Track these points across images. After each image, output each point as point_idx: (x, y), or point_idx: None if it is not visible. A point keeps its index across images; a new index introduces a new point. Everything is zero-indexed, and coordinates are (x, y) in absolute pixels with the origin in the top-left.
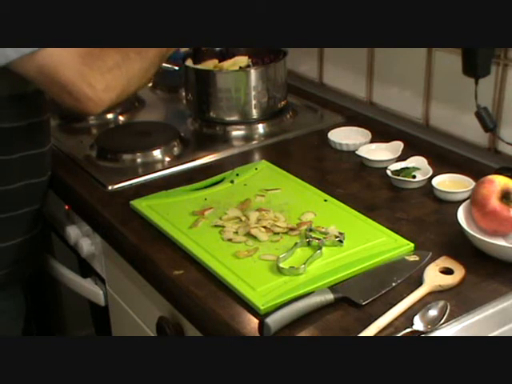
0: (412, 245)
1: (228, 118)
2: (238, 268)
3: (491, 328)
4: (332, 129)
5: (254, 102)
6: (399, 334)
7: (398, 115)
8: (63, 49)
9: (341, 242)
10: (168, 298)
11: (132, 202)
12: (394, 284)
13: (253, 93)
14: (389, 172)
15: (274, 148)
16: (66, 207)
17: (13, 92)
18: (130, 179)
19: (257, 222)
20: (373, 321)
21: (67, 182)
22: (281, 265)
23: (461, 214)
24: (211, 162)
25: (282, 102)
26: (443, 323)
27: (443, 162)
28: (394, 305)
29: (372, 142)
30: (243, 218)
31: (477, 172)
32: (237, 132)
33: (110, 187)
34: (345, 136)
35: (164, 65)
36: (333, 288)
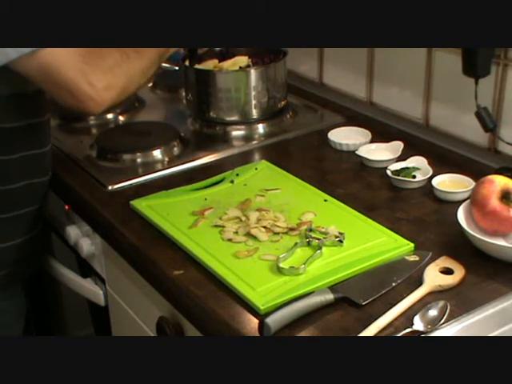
0: (412, 245)
1: (228, 118)
2: (237, 268)
3: (491, 328)
4: (332, 129)
5: (254, 102)
6: (399, 334)
7: (398, 115)
8: (63, 48)
9: (341, 242)
10: (168, 298)
11: (132, 202)
12: (393, 284)
13: (253, 93)
14: (389, 172)
15: (274, 148)
16: (66, 207)
17: (13, 92)
18: (130, 179)
19: (257, 222)
20: (373, 321)
21: (67, 182)
22: (281, 265)
23: (461, 214)
24: (211, 161)
25: (282, 102)
26: (443, 323)
27: (443, 161)
28: (394, 305)
29: (372, 142)
30: (243, 218)
31: (477, 172)
32: (237, 132)
33: (109, 187)
34: (345, 136)
35: (164, 65)
36: (333, 288)
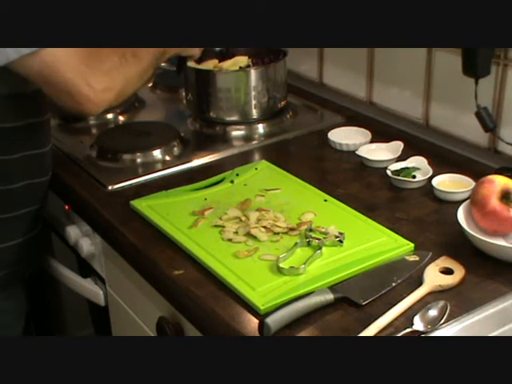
0: (412, 245)
1: (228, 118)
2: (237, 268)
3: (491, 328)
4: (332, 129)
5: (254, 102)
6: (399, 334)
7: (398, 115)
8: (63, 49)
9: (341, 242)
10: (168, 298)
11: (132, 202)
12: (393, 284)
13: (253, 93)
14: (389, 172)
15: (274, 148)
16: (66, 207)
17: (12, 91)
18: (130, 179)
19: (257, 222)
20: (373, 321)
21: (67, 182)
22: (281, 265)
23: (461, 214)
24: (211, 162)
25: (282, 102)
26: (443, 323)
27: (443, 161)
28: (394, 305)
29: (372, 142)
30: (243, 218)
31: (477, 172)
32: (237, 132)
33: (110, 187)
34: (345, 136)
35: (164, 65)
36: (333, 288)
